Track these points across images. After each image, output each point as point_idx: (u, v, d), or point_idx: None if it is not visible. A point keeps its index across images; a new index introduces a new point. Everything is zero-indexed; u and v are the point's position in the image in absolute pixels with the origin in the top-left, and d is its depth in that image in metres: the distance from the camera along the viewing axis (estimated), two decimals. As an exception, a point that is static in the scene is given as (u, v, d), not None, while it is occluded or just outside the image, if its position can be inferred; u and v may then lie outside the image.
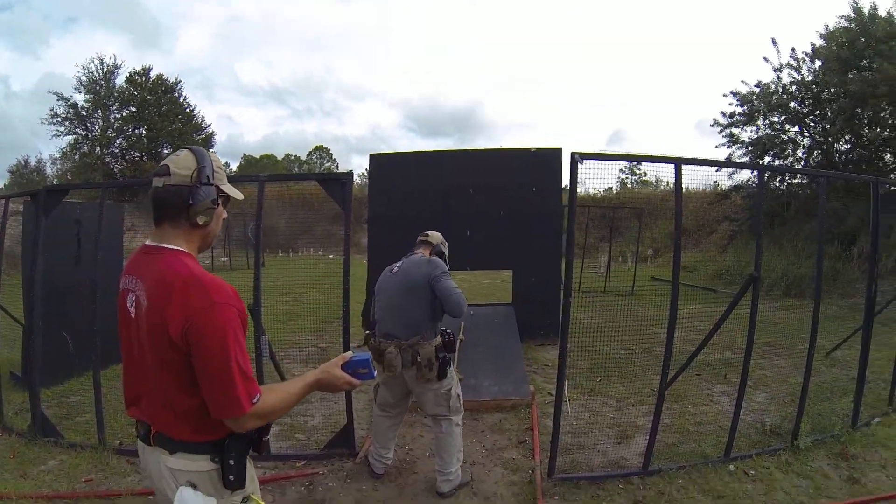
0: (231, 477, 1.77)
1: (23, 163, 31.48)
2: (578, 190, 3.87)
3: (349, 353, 1.98)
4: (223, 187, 1.86)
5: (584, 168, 3.82)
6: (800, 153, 16.28)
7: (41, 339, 4.89)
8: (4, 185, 30.84)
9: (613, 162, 4.04)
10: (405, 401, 4.15)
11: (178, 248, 1.77)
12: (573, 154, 3.79)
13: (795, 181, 16.44)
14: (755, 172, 16.09)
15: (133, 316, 1.79)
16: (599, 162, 3.88)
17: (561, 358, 3.96)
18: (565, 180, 8.44)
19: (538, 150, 8.39)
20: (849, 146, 15.50)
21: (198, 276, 1.69)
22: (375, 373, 2.06)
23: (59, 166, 30.82)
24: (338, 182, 4.52)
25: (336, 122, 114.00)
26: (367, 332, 4.07)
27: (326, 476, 4.23)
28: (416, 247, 4.17)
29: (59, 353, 5.95)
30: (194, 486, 1.76)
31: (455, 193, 8.29)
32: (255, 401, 1.68)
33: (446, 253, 4.23)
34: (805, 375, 4.43)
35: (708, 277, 14.07)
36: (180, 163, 1.77)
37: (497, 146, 8.72)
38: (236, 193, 1.94)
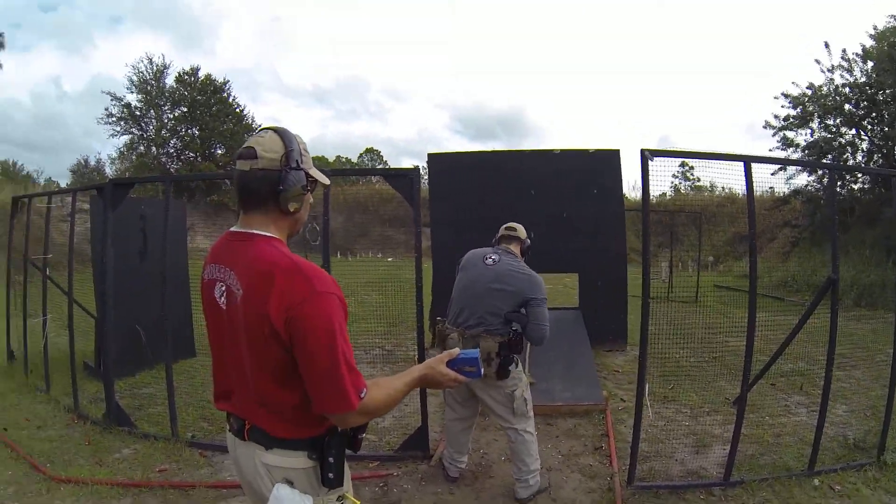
0: (331, 475, 1.72)
1: (83, 163, 32.73)
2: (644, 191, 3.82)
3: (456, 350, 1.91)
4: (311, 172, 1.75)
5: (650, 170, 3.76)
6: (859, 157, 15.72)
7: (114, 330, 5.06)
8: (67, 183, 31.50)
9: (675, 161, 3.98)
10: (473, 402, 4.03)
11: (271, 235, 1.69)
12: (643, 150, 3.72)
13: (857, 186, 15.89)
14: (813, 177, 15.84)
15: (224, 307, 1.71)
16: (665, 160, 3.82)
17: (641, 359, 3.91)
18: (625, 181, 8.37)
19: (597, 150, 8.28)
20: None
21: (298, 263, 1.59)
22: (483, 371, 1.99)
23: (117, 166, 31.56)
24: (406, 178, 4.50)
25: (382, 124, 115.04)
26: (439, 318, 4.02)
27: (401, 478, 4.25)
28: (504, 240, 4.06)
29: (130, 345, 6.13)
30: (291, 483, 1.72)
31: (517, 194, 8.17)
32: (362, 395, 1.61)
33: (531, 248, 4.16)
34: (890, 387, 4.26)
35: (772, 286, 13.68)
36: (267, 145, 1.67)
37: (552, 148, 8.56)
38: (324, 178, 1.83)
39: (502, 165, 8.46)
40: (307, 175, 1.73)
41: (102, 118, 30.62)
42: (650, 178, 3.76)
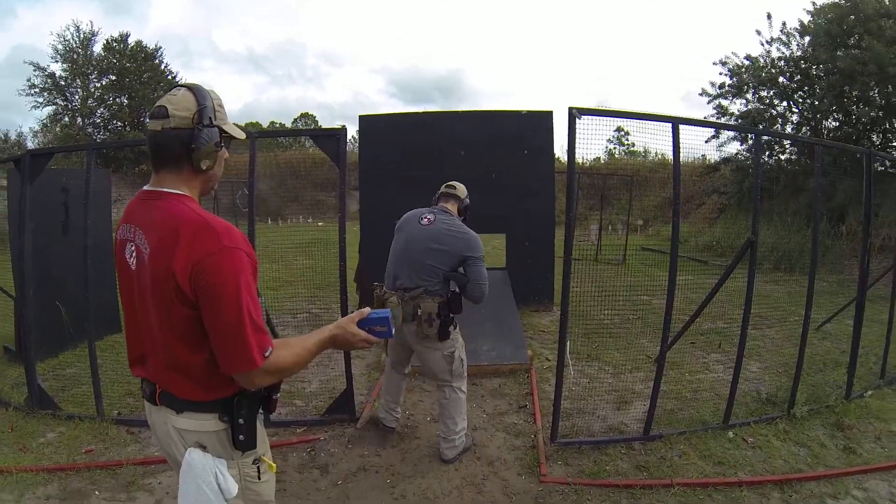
0: (241, 437, 1.69)
1: (2, 137, 30.51)
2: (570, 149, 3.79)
3: (367, 310, 1.85)
4: (225, 127, 1.71)
5: (579, 130, 3.73)
6: (789, 128, 16.29)
7: (34, 310, 4.80)
8: (-17, 162, 29.66)
9: (608, 120, 3.94)
10: (411, 360, 4.14)
11: (181, 192, 1.65)
12: (571, 109, 3.69)
13: (784, 157, 16.52)
14: (744, 145, 16.40)
15: (133, 268, 1.67)
16: (594, 119, 3.77)
17: (562, 318, 3.94)
18: (556, 143, 8.37)
19: (529, 112, 8.24)
20: (837, 123, 15.46)
21: (206, 219, 1.56)
22: (394, 331, 1.94)
23: (40, 139, 29.51)
24: (332, 137, 4.39)
25: (318, 89, 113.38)
26: (376, 283, 3.94)
27: (328, 442, 4.22)
28: (442, 198, 4.00)
29: (52, 324, 5.85)
30: (203, 448, 1.69)
31: (447, 155, 8.09)
32: (266, 354, 1.57)
33: (469, 207, 4.11)
34: (801, 346, 4.48)
35: (697, 249, 14.18)
36: (179, 103, 1.62)
37: (484, 109, 8.48)
38: (239, 133, 1.80)
39: (433, 126, 8.33)
40: (221, 131, 1.69)
41: (24, 90, 28.68)
42: (578, 137, 3.73)
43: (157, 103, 1.64)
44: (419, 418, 4.61)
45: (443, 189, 4.06)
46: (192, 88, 1.66)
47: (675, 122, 3.90)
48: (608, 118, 3.92)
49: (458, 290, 3.72)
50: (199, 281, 1.50)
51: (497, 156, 8.10)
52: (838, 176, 12.35)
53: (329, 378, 5.19)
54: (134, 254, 1.66)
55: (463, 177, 7.80)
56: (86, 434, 4.31)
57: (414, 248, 3.70)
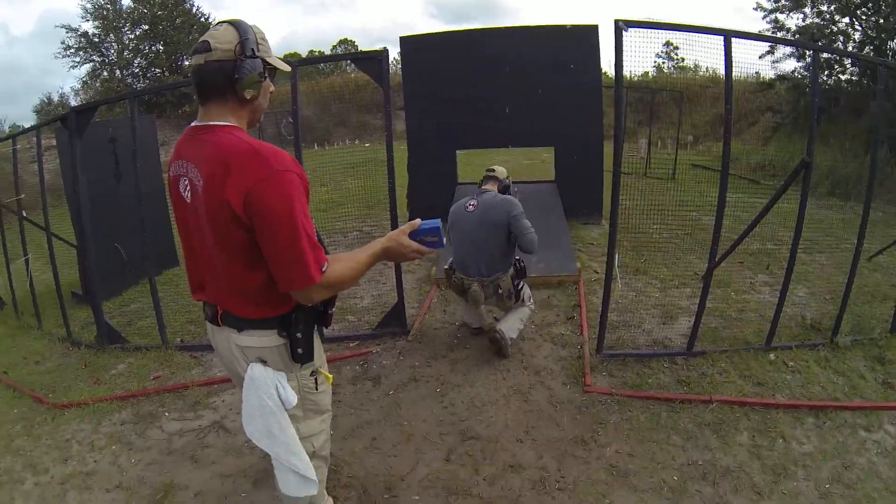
0: (300, 350, 1.80)
1: (47, 101, 30.42)
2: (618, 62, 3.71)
3: (417, 221, 1.90)
4: (269, 59, 1.75)
5: (626, 43, 3.64)
6: (850, 47, 15.22)
7: (95, 255, 5.10)
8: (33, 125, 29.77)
9: (656, 33, 3.76)
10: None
11: (228, 124, 1.70)
12: (617, 21, 3.60)
13: (844, 77, 15.56)
14: (801, 63, 15.49)
15: (189, 200, 1.73)
16: (642, 32, 3.66)
17: (611, 231, 4.01)
18: (603, 58, 8.12)
19: (574, 26, 8.00)
20: None
21: (254, 146, 1.61)
22: (445, 240, 1.98)
23: (82, 96, 29.27)
24: (374, 60, 4.41)
25: (353, 14, 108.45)
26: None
27: (380, 354, 4.46)
28: (484, 181, 4.48)
29: (113, 266, 6.25)
30: (264, 362, 1.81)
31: (491, 73, 8.00)
32: (323, 270, 1.64)
33: (512, 187, 4.55)
34: (850, 275, 4.39)
35: (749, 169, 13.71)
36: (221, 37, 1.66)
37: (527, 24, 8.23)
38: (283, 65, 1.84)
39: (476, 44, 8.18)
40: (265, 62, 1.73)
41: (60, 52, 28.43)
42: (625, 51, 3.65)
43: (201, 39, 1.69)
44: (467, 330, 4.77)
45: (485, 173, 4.56)
46: (233, 23, 1.70)
47: (728, 34, 3.73)
48: (656, 30, 3.76)
49: (521, 260, 4.31)
50: (254, 206, 1.56)
51: (543, 71, 7.97)
52: None
53: (381, 293, 5.39)
54: (188, 188, 1.73)
55: (510, 93, 7.89)
56: (153, 362, 4.64)
57: (474, 236, 4.16)
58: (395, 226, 4.51)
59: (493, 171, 4.53)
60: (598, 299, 4.84)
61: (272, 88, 1.84)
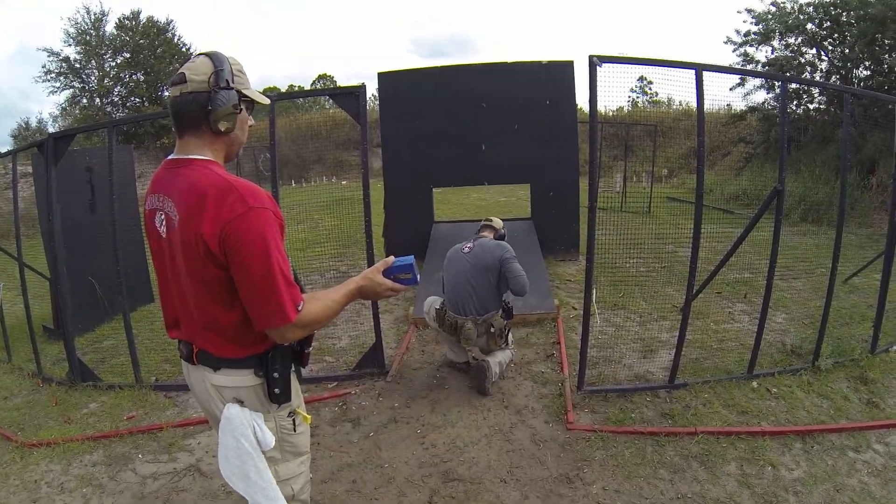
0: (277, 390, 1.75)
1: (24, 125, 30.31)
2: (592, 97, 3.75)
3: (391, 259, 1.88)
4: (245, 91, 1.73)
5: (600, 78, 3.68)
6: (817, 77, 15.74)
7: (68, 288, 4.95)
8: (9, 150, 29.55)
9: (630, 68, 3.81)
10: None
11: (206, 158, 1.68)
12: (591, 57, 3.66)
13: (812, 106, 16.01)
14: (770, 94, 15.94)
15: (164, 235, 1.71)
16: (616, 67, 3.71)
17: (588, 267, 3.99)
18: (579, 93, 8.27)
19: (550, 62, 8.12)
20: (868, 73, 14.79)
21: (230, 181, 1.59)
22: (419, 277, 1.95)
23: (60, 123, 29.33)
24: (352, 95, 4.40)
25: (333, 50, 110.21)
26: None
27: (359, 395, 4.36)
28: (481, 230, 4.77)
29: (87, 300, 6.07)
30: (241, 402, 1.76)
31: (468, 109, 8.08)
32: (299, 308, 1.61)
33: (506, 236, 4.78)
34: (826, 298, 4.41)
35: (724, 199, 13.95)
36: (196, 69, 1.65)
37: (504, 61, 8.36)
38: (261, 98, 1.83)
39: (452, 80, 8.27)
40: (240, 94, 1.71)
41: (40, 76, 28.56)
42: (599, 86, 3.69)
43: (178, 71, 1.68)
44: (446, 371, 4.71)
45: (483, 222, 4.89)
46: (209, 55, 1.69)
47: (699, 67, 3.81)
48: (630, 65, 3.82)
49: (509, 298, 4.47)
50: (229, 243, 1.54)
51: (519, 107, 8.06)
52: (868, 127, 11.99)
53: (359, 333, 5.32)
54: (164, 222, 1.70)
55: (485, 130, 7.92)
56: (126, 402, 4.49)
57: (467, 277, 4.31)
58: (371, 264, 4.48)
59: (491, 221, 4.86)
60: (577, 336, 4.83)
61: (251, 122, 1.82)
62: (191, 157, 1.68)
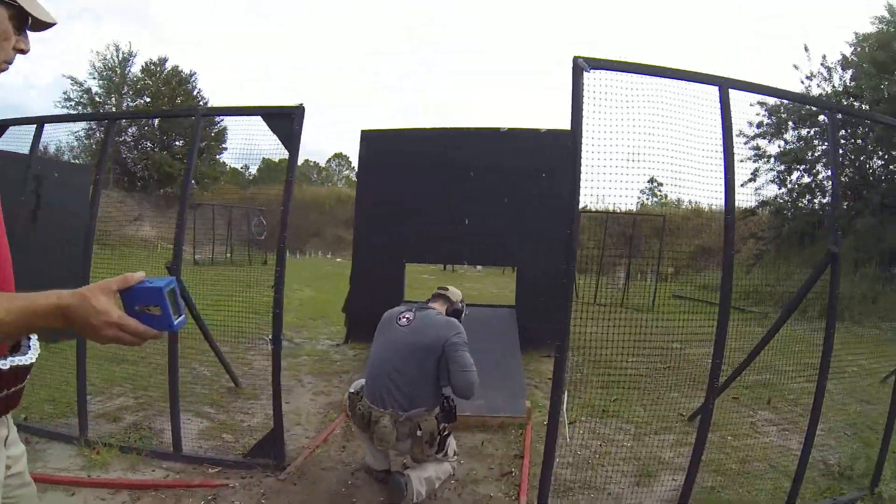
0: None
1: (43, 151, 30.81)
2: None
3: (139, 274, 1.08)
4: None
5: (589, 89, 2.75)
6: (829, 171, 15.46)
7: None
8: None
9: (632, 78, 2.79)
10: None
11: None
12: (576, 59, 2.71)
13: (825, 199, 15.54)
14: (783, 189, 15.50)
15: None
16: (610, 75, 2.74)
17: (558, 361, 2.89)
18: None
19: (549, 130, 7.34)
20: (882, 162, 14.81)
21: None
22: (178, 322, 1.09)
23: (76, 152, 30.48)
24: (286, 117, 3.67)
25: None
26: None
27: (237, 491, 3.34)
28: (432, 299, 3.73)
29: None
30: None
31: (453, 176, 7.27)
32: None
33: (464, 314, 3.73)
34: (891, 411, 3.44)
35: (735, 296, 13.10)
36: None
37: (498, 126, 7.56)
38: (43, 14, 1.24)
39: (439, 143, 7.50)
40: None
41: (60, 101, 29.97)
42: (589, 96, 2.77)
43: None
44: (364, 477, 3.59)
45: (436, 290, 3.84)
46: None
47: (724, 84, 2.94)
48: (628, 74, 2.78)
49: (450, 398, 3.30)
50: None
51: (510, 179, 7.19)
52: (887, 216, 11.32)
53: (267, 416, 4.16)
54: None
55: (470, 201, 7.00)
56: None
57: (395, 357, 3.27)
58: (278, 329, 3.56)
59: (447, 290, 3.77)
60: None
61: (26, 47, 1.26)
62: None
